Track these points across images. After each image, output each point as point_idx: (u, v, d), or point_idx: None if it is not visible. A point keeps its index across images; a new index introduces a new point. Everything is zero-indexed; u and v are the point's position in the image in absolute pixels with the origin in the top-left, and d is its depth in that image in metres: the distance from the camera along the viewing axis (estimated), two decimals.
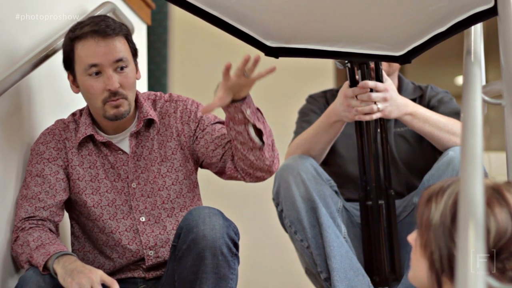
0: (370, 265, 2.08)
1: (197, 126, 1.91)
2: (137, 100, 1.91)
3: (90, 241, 1.90)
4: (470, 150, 1.14)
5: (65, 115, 1.98)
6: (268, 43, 1.81)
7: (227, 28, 1.73)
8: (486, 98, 1.59)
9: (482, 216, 0.98)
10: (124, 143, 1.89)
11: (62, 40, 2.11)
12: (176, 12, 3.91)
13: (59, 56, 2.12)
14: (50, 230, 1.82)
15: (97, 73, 1.80)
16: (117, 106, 1.81)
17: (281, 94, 3.90)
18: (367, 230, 2.09)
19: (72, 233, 1.93)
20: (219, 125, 1.90)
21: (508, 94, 1.43)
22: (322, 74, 3.89)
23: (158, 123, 1.90)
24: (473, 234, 0.95)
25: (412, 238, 1.21)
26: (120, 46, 1.82)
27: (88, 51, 1.80)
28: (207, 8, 1.67)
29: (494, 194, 1.11)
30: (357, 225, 2.15)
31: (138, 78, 1.90)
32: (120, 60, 1.81)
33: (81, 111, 1.95)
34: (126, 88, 1.82)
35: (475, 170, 1.07)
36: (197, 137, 1.90)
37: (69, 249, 1.95)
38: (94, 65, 1.79)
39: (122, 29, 1.85)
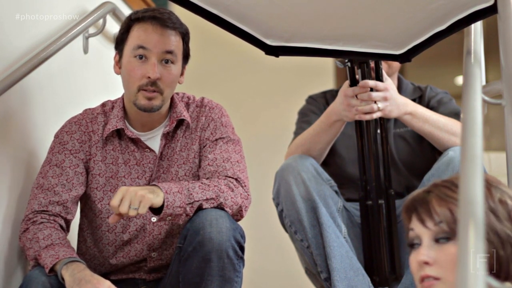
0: (370, 265, 2.08)
1: (209, 136, 1.89)
2: (172, 100, 1.90)
3: (93, 238, 1.89)
4: (470, 150, 1.14)
5: (65, 118, 1.96)
6: (268, 42, 1.81)
7: (228, 26, 1.73)
8: (486, 98, 1.59)
9: (482, 216, 0.98)
10: (152, 141, 1.88)
11: (61, 40, 2.12)
12: (176, 11, 3.90)
13: (58, 57, 2.13)
14: (61, 227, 1.81)
15: (142, 57, 1.80)
16: (149, 99, 1.79)
17: (281, 93, 3.91)
18: (367, 230, 2.09)
19: (80, 225, 1.93)
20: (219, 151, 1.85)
21: (508, 94, 1.42)
22: (322, 74, 3.89)
23: (190, 125, 1.89)
24: (473, 234, 0.95)
25: (430, 256, 1.14)
26: (174, 41, 1.82)
27: (143, 33, 1.80)
28: (208, 6, 1.67)
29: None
30: (357, 225, 2.15)
31: (180, 82, 1.90)
32: (169, 52, 1.81)
33: (113, 102, 1.93)
34: (165, 83, 1.81)
35: (475, 170, 1.07)
36: (204, 146, 1.89)
37: (75, 238, 1.95)
38: (142, 47, 1.79)
39: (182, 28, 1.86)
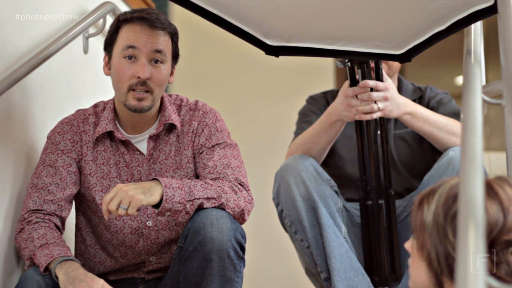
0: (370, 265, 2.08)
1: (204, 142, 1.88)
2: (162, 102, 1.90)
3: (94, 236, 1.90)
4: (470, 150, 1.14)
5: (63, 117, 1.96)
6: (269, 42, 1.81)
7: (228, 26, 1.73)
8: (486, 98, 1.59)
9: (482, 216, 0.98)
10: (142, 144, 1.88)
11: (61, 40, 2.12)
12: (177, 12, 3.91)
13: (58, 57, 2.13)
14: (56, 226, 1.81)
15: (131, 58, 1.80)
16: (139, 99, 1.79)
17: (281, 93, 3.91)
18: (367, 230, 2.09)
19: (76, 225, 1.93)
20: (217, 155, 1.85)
21: (508, 94, 1.42)
22: (322, 74, 3.90)
23: (179, 129, 1.89)
24: (473, 234, 0.95)
25: (409, 244, 1.21)
26: (162, 40, 1.82)
27: (131, 33, 1.80)
28: (208, 6, 1.67)
29: (485, 188, 1.12)
30: (357, 225, 2.15)
31: (170, 82, 1.89)
32: (158, 51, 1.80)
33: (105, 104, 1.94)
34: (155, 82, 1.80)
35: (475, 170, 1.07)
36: (200, 153, 1.88)
37: (72, 240, 1.95)
38: (132, 47, 1.79)
39: (171, 28, 1.85)
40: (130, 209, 1.61)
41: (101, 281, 1.64)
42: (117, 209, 1.62)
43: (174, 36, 1.86)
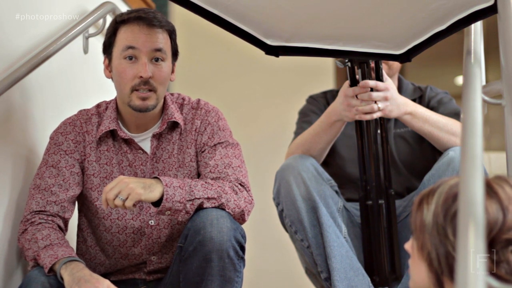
0: (370, 265, 2.08)
1: (207, 141, 1.88)
2: (164, 101, 1.90)
3: (94, 237, 1.89)
4: (470, 150, 1.14)
5: (65, 118, 1.96)
6: (269, 42, 1.81)
7: (228, 26, 1.73)
8: (486, 98, 1.59)
9: (482, 216, 0.98)
10: (145, 143, 1.88)
11: (61, 40, 2.12)
12: (177, 11, 3.91)
13: (58, 57, 2.13)
14: (59, 227, 1.81)
15: (132, 58, 1.79)
16: (143, 99, 1.79)
17: (281, 93, 3.91)
18: (367, 230, 2.09)
19: (78, 226, 1.93)
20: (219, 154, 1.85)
21: (508, 94, 1.43)
22: (322, 74, 3.89)
23: (182, 127, 1.89)
24: (473, 234, 0.95)
25: (409, 245, 1.21)
26: (161, 38, 1.82)
27: (130, 34, 1.80)
28: (208, 6, 1.67)
29: (485, 188, 1.12)
30: (358, 225, 2.15)
31: (172, 80, 1.89)
32: (158, 50, 1.80)
33: (107, 103, 1.94)
34: (157, 81, 1.80)
35: (475, 170, 1.07)
36: (202, 152, 1.88)
37: (74, 241, 1.95)
38: (131, 47, 1.79)
39: (169, 26, 1.85)
40: (127, 201, 1.61)
41: (107, 282, 1.64)
42: (115, 199, 1.62)
43: (172, 33, 1.87)
